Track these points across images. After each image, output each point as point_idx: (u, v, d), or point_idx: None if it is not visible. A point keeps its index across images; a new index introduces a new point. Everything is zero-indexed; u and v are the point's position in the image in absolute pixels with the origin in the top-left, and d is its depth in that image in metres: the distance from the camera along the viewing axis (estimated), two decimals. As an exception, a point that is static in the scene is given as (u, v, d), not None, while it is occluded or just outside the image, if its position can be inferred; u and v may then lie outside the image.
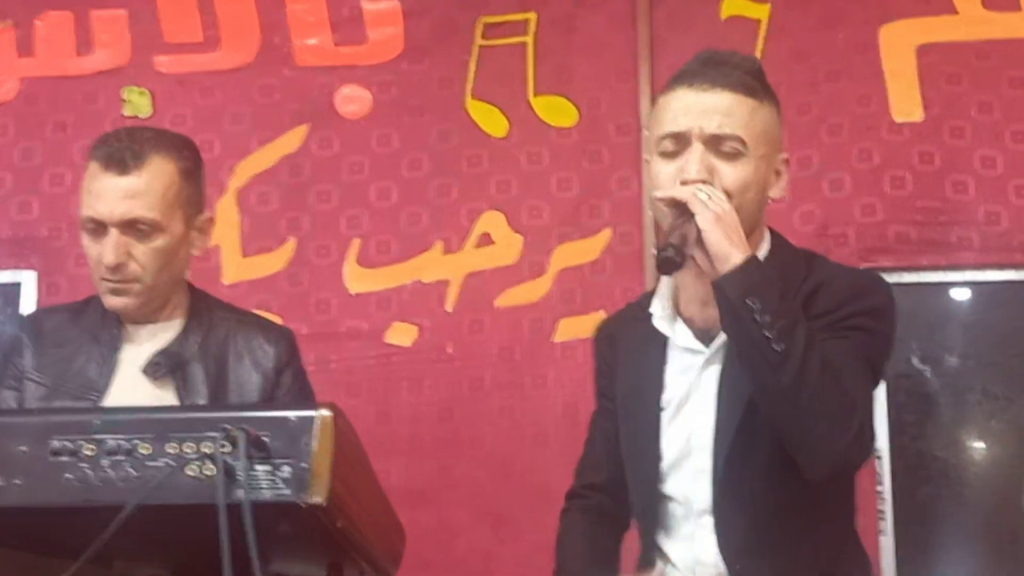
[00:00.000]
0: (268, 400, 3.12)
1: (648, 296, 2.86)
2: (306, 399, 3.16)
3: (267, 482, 2.20)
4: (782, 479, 2.59)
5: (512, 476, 4.30)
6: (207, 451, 2.20)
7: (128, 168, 3.00)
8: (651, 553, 2.76)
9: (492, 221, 4.47)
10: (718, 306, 2.54)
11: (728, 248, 2.48)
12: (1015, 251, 4.11)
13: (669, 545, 2.74)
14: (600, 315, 4.31)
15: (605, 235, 4.44)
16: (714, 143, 2.61)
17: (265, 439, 2.21)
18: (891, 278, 4.20)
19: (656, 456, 2.72)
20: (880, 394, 3.82)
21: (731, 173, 2.61)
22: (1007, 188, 4.23)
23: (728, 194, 2.58)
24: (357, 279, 4.47)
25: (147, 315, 3.13)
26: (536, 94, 4.51)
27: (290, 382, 3.19)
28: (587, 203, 4.44)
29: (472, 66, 4.53)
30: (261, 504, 2.17)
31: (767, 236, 2.76)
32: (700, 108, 2.63)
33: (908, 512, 4.19)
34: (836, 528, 2.74)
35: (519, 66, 4.53)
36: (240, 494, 2.16)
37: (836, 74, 4.43)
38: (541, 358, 4.37)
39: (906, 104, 4.36)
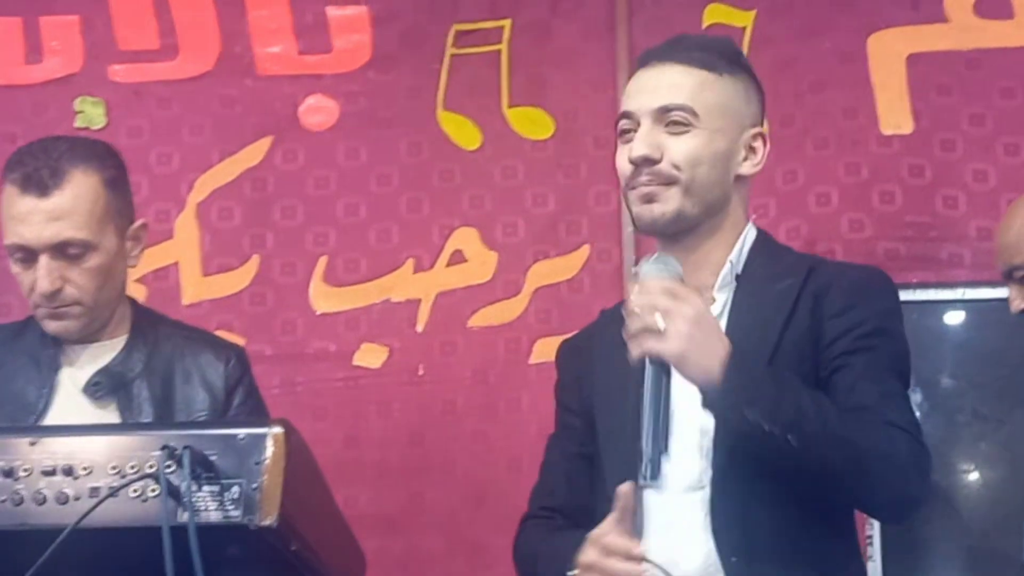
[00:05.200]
0: (221, 419, 3.07)
1: (618, 306, 2.84)
2: (259, 418, 3.11)
3: (215, 503, 2.18)
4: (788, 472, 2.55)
5: (485, 502, 4.24)
6: (150, 470, 2.17)
7: (48, 189, 2.95)
8: None
9: (465, 238, 4.42)
10: (712, 415, 2.52)
11: (705, 373, 2.44)
12: (1007, 268, 4.06)
13: (646, 542, 2.61)
14: (579, 336, 4.30)
15: (583, 252, 4.39)
16: (661, 117, 2.66)
17: (212, 458, 2.19)
18: (880, 295, 4.20)
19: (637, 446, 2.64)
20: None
21: (678, 146, 2.65)
22: (999, 203, 4.18)
23: (677, 167, 2.63)
24: (324, 298, 4.41)
25: (89, 335, 3.10)
26: (510, 105, 4.46)
27: (242, 400, 3.16)
28: (564, 219, 4.41)
29: (443, 75, 4.47)
30: (208, 526, 2.16)
31: (749, 228, 2.78)
32: (649, 85, 2.71)
33: (896, 536, 4.14)
34: (841, 529, 2.71)
35: (492, 76, 4.48)
36: (185, 516, 2.12)
37: (822, 84, 4.39)
38: (516, 380, 4.32)
39: (895, 116, 4.33)
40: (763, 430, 2.41)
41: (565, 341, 3.09)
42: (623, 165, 2.70)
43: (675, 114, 2.65)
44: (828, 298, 2.66)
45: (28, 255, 2.99)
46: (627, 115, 2.71)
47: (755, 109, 2.81)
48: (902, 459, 2.50)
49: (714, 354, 2.44)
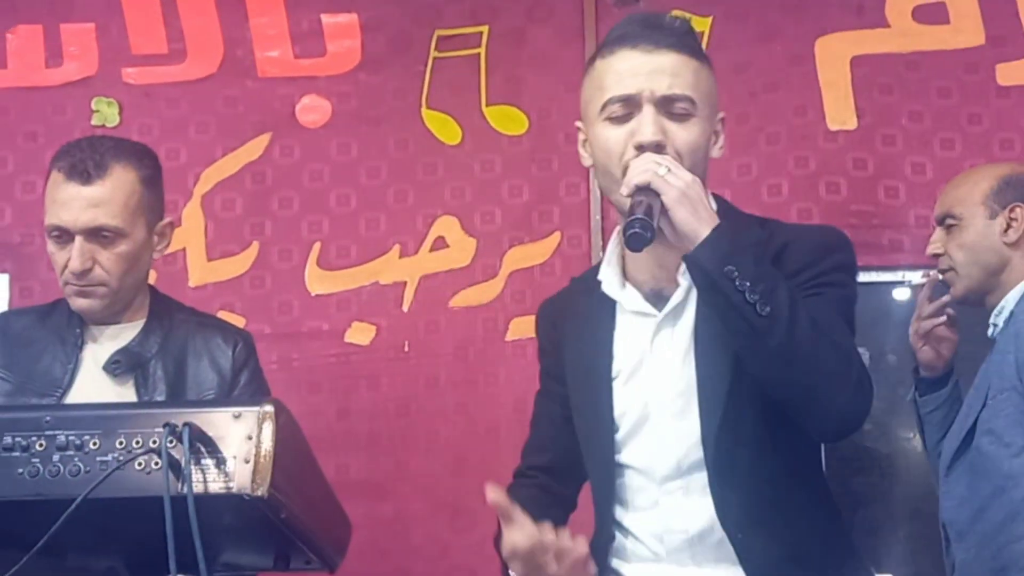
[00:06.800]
0: (226, 398, 3.10)
1: (593, 270, 2.72)
2: (257, 397, 3.13)
3: (211, 475, 2.19)
4: (773, 441, 2.48)
5: (466, 469, 4.25)
6: (153, 446, 2.18)
7: (91, 178, 2.98)
8: (608, 528, 2.64)
9: (447, 226, 4.44)
10: (694, 282, 2.42)
11: (696, 224, 2.35)
12: (942, 253, 4.09)
13: (628, 517, 2.60)
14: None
15: (554, 239, 4.41)
16: (665, 105, 2.48)
17: (210, 434, 2.20)
18: (826, 278, 4.23)
19: (611, 426, 2.59)
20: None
21: (683, 135, 2.48)
22: (936, 193, 4.13)
23: (680, 156, 2.46)
24: (318, 281, 4.44)
25: (111, 316, 3.12)
26: (488, 104, 4.48)
27: (247, 381, 3.18)
28: (537, 208, 4.43)
29: (427, 77, 4.50)
30: (206, 497, 2.17)
31: (711, 200, 2.59)
32: (648, 69, 2.48)
33: (842, 500, 4.10)
34: (823, 490, 2.66)
35: (472, 77, 4.50)
36: (184, 487, 2.14)
37: (774, 85, 4.42)
38: (494, 356, 4.34)
39: (840, 113, 4.36)
40: (738, 291, 2.31)
41: (542, 307, 2.92)
42: (619, 145, 2.49)
43: (679, 105, 2.47)
44: (783, 260, 2.52)
45: (65, 236, 3.01)
46: (627, 99, 2.47)
47: (718, 95, 2.64)
48: (853, 376, 2.39)
49: (705, 216, 2.36)
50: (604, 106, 2.51)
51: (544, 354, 2.86)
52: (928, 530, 3.78)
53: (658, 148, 2.45)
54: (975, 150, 4.30)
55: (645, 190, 2.37)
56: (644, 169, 2.38)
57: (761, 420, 2.47)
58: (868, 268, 4.26)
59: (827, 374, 2.37)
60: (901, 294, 4.36)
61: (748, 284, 2.31)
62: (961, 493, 3.30)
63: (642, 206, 2.34)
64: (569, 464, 2.75)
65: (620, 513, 2.63)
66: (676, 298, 2.55)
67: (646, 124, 2.46)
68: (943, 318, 3.55)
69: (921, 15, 4.39)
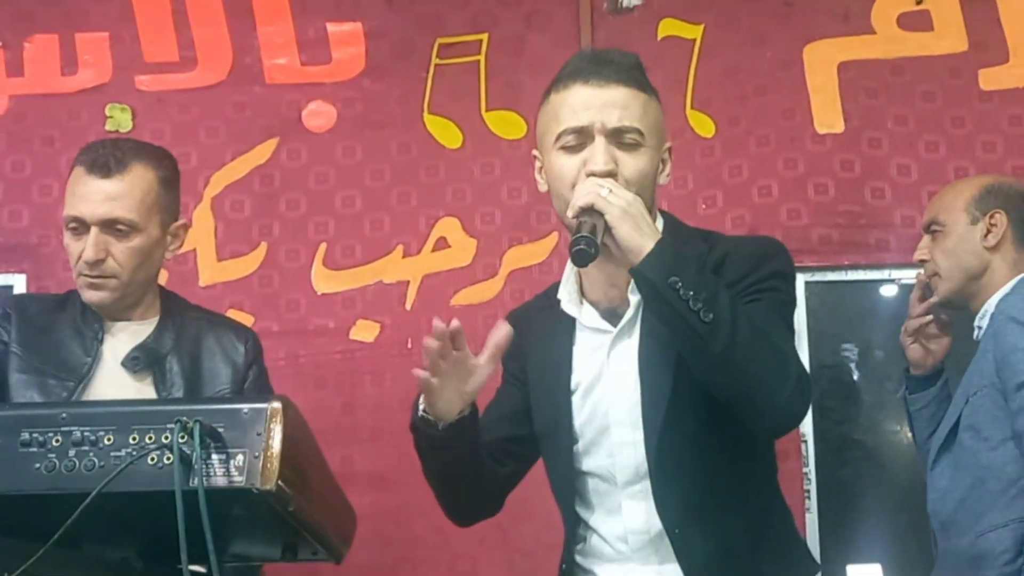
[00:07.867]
0: (238, 391, 3.15)
1: (555, 286, 2.79)
2: (264, 394, 3.14)
3: (221, 470, 2.20)
4: (711, 444, 2.56)
5: (467, 461, 4.25)
6: (165, 441, 2.19)
7: (111, 172, 3.03)
8: (577, 529, 2.73)
9: (448, 226, 4.46)
10: (641, 293, 2.50)
11: (639, 238, 2.43)
12: (927, 252, 4.10)
13: (595, 519, 2.69)
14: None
15: (552, 239, 4.42)
16: (615, 136, 2.56)
17: (220, 430, 2.21)
18: (814, 277, 4.27)
19: (571, 436, 2.68)
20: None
21: (632, 163, 2.57)
22: (921, 194, 4.24)
23: (629, 183, 2.54)
24: (324, 280, 4.45)
25: (122, 311, 3.14)
26: (488, 109, 4.50)
27: (256, 376, 3.24)
28: (535, 209, 4.43)
29: (429, 83, 4.51)
30: (216, 490, 2.18)
31: (659, 218, 2.71)
32: (599, 103, 2.57)
33: (830, 491, 4.19)
34: (761, 485, 2.71)
35: (472, 83, 4.51)
36: (196, 481, 2.15)
37: (764, 89, 4.43)
38: None
39: (828, 116, 4.37)
40: (682, 300, 2.37)
41: (510, 314, 2.97)
42: (572, 173, 2.56)
43: (629, 136, 2.56)
44: (723, 270, 2.59)
45: (82, 227, 3.04)
46: (580, 130, 2.56)
47: (664, 125, 2.72)
48: (792, 375, 2.46)
49: (647, 231, 2.44)
50: (559, 136, 2.60)
51: (510, 357, 2.88)
52: (915, 521, 3.80)
53: (609, 176, 2.53)
54: (958, 152, 4.32)
55: (589, 211, 2.45)
56: (587, 191, 2.47)
57: (702, 425, 2.55)
58: (855, 267, 4.31)
59: (767, 374, 2.44)
60: (888, 292, 4.37)
61: (691, 293, 2.38)
62: (944, 486, 3.33)
63: (587, 225, 2.43)
64: (503, 446, 2.82)
65: (586, 516, 2.72)
66: (628, 315, 2.64)
67: (598, 154, 2.55)
68: (930, 318, 3.58)
69: (906, 22, 4.41)
